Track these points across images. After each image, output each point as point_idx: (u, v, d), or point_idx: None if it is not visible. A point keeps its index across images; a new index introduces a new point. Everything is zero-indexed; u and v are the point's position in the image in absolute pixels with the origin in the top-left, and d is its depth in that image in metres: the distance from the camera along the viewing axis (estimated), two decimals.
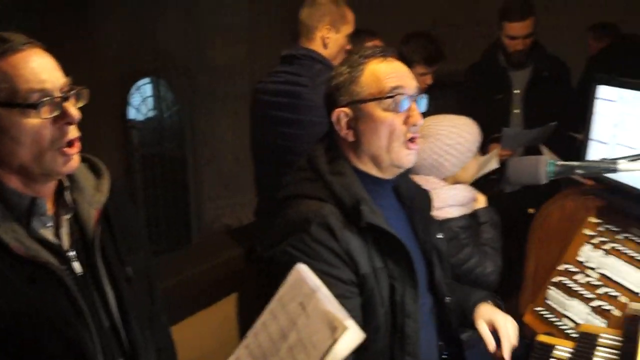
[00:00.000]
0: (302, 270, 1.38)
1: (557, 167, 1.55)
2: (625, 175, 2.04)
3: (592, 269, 2.13)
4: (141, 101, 8.83)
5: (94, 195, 1.48)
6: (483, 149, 3.42)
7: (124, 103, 8.73)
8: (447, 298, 1.95)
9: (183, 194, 8.13)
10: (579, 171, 1.55)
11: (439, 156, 2.42)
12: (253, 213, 3.17)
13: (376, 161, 1.73)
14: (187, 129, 7.76)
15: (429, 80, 3.48)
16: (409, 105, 1.70)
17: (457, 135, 2.43)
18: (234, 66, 6.63)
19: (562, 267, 2.23)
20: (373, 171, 1.76)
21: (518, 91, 3.76)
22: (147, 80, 8.63)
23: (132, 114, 8.89)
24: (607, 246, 2.12)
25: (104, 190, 1.50)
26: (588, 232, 2.22)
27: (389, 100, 1.67)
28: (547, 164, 1.56)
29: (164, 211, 8.60)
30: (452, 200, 2.41)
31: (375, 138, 1.70)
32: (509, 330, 1.81)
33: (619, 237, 2.11)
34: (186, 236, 8.11)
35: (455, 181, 2.51)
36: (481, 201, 2.59)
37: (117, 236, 1.52)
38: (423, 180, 2.38)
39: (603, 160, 1.53)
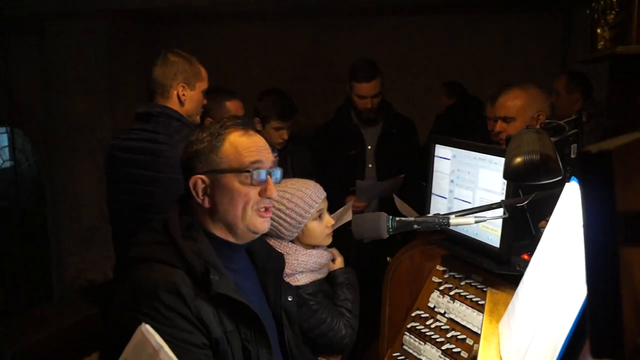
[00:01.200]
0: (146, 330, 1.38)
1: (396, 222, 1.66)
2: (462, 227, 2.18)
3: (442, 314, 2.24)
4: None
5: None
6: (341, 202, 3.57)
7: None
8: None
9: (43, 249, 7.72)
10: (416, 226, 1.66)
11: (274, 221, 2.38)
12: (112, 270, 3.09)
13: (231, 228, 1.78)
14: (47, 181, 7.41)
15: (285, 135, 3.58)
16: (265, 178, 1.77)
17: (287, 201, 2.41)
18: (94, 117, 6.45)
19: (415, 313, 2.33)
20: (227, 237, 1.80)
21: (370, 147, 3.92)
22: (2, 129, 8.21)
23: None
24: (453, 292, 2.24)
25: None
26: (435, 279, 2.34)
27: (247, 174, 1.74)
28: (387, 220, 1.66)
29: (22, 267, 8.12)
30: (301, 267, 2.41)
31: (230, 207, 1.74)
32: None
33: (462, 283, 2.23)
34: (47, 294, 7.67)
35: (310, 245, 2.50)
36: (338, 262, 2.63)
37: None
38: (278, 244, 2.41)
39: (436, 216, 1.65)
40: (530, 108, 2.89)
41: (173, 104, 2.84)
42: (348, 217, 3.24)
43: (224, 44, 6.80)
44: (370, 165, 3.91)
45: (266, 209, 1.80)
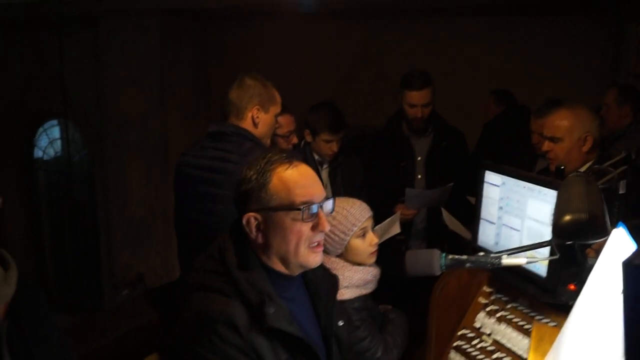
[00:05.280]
0: None
1: (448, 260, 1.72)
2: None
3: (487, 335, 2.28)
4: (48, 143, 8.53)
5: (1, 289, 1.47)
6: (389, 212, 3.63)
7: (30, 144, 8.41)
8: None
9: (93, 241, 7.86)
10: (468, 265, 1.71)
11: None
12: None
13: (284, 262, 1.81)
14: (98, 173, 7.58)
15: (334, 147, 3.66)
16: (317, 212, 1.78)
17: (331, 218, 2.39)
18: (145, 114, 6.57)
19: (461, 332, 2.38)
20: (281, 269, 1.83)
21: (420, 158, 3.97)
22: (54, 122, 8.39)
23: (38, 155, 8.57)
24: (499, 314, 2.28)
25: (11, 283, 1.49)
26: (482, 300, 2.38)
27: (298, 212, 1.74)
28: (440, 257, 1.72)
29: (72, 259, 8.29)
30: (346, 282, 2.47)
31: (283, 243, 1.77)
32: None
33: (508, 306, 2.28)
34: (96, 286, 7.85)
35: (356, 262, 2.57)
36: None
37: (25, 328, 1.52)
38: (325, 259, 2.45)
39: (488, 255, 1.70)
40: (577, 129, 2.90)
41: (247, 125, 2.86)
42: (396, 228, 3.30)
43: (274, 44, 6.84)
44: (419, 177, 3.96)
45: (318, 244, 1.82)
